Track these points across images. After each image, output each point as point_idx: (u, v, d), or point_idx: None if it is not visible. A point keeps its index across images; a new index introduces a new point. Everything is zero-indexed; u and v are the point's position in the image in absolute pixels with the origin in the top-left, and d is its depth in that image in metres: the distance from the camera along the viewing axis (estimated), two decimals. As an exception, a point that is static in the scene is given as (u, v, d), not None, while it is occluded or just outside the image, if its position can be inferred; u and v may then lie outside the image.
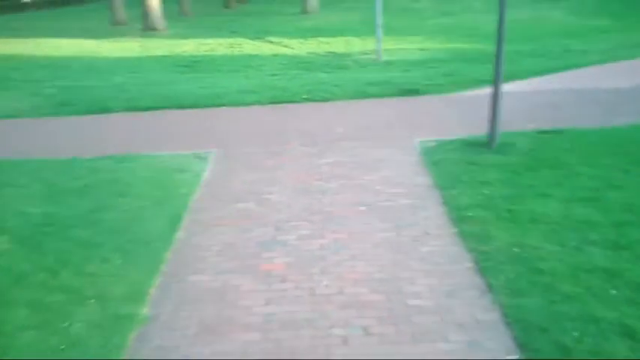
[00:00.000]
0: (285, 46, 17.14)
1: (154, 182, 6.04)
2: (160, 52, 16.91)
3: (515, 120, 7.39)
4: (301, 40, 18.13)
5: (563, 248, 4.28)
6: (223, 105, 9.50)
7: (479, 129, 7.14)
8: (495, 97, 6.42)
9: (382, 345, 3.44)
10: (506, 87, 9.88)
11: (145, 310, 3.86)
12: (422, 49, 15.40)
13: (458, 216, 4.97)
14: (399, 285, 4.03)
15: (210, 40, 18.98)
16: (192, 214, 5.33)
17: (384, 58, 13.74)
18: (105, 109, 9.45)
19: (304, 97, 9.78)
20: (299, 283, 4.11)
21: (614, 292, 3.70)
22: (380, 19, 13.51)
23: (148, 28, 22.93)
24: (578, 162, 5.92)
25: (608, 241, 4.33)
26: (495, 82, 6.40)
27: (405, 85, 10.24)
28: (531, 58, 13.01)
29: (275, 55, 15.44)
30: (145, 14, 23.33)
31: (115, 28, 24.98)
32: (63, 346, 3.45)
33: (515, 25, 21.63)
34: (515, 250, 4.32)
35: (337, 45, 16.88)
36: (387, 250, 4.50)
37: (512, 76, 10.33)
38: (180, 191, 5.80)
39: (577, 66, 11.73)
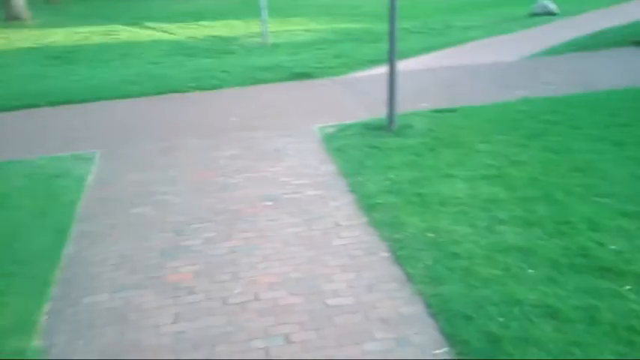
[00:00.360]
0: (165, 32, 16.29)
1: (32, 191, 5.40)
2: (26, 44, 15.46)
3: (408, 100, 7.40)
4: (181, 25, 17.33)
5: (475, 229, 4.26)
6: (102, 98, 8.76)
7: (376, 111, 7.08)
8: (391, 79, 6.35)
9: (306, 353, 3.20)
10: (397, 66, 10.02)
11: (35, 343, 3.36)
12: (308, 30, 15.23)
13: (367, 204, 4.82)
14: (317, 283, 3.81)
15: (82, 29, 17.64)
16: (80, 224, 4.79)
17: (271, 40, 13.41)
18: (-36, 112, 8.41)
19: (191, 85, 9.26)
20: (210, 293, 3.77)
21: (531, 271, 3.70)
22: (264, 1, 13.13)
23: (10, 18, 20.95)
24: (476, 139, 5.99)
25: (517, 218, 4.36)
26: (390, 62, 6.32)
27: (295, 69, 10.01)
28: (416, 35, 13.26)
29: (155, 42, 14.60)
30: (5, 2, 21.28)
31: (-30, 19, 22.64)
32: None
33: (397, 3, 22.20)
34: (430, 235, 4.24)
35: (220, 29, 16.29)
36: (300, 247, 4.27)
37: (401, 55, 10.35)
38: (63, 199, 5.21)
39: (461, 42, 12.09)
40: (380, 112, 6.90)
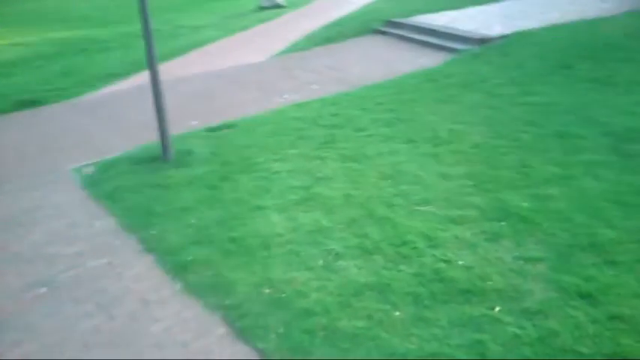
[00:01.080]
0: None
1: None
2: None
3: (173, 118, 6.43)
4: None
5: (314, 272, 3.66)
6: None
7: (138, 138, 6.08)
8: (157, 95, 5.40)
9: None
10: (140, 79, 8.91)
11: None
12: (16, 45, 12.95)
13: (175, 265, 3.89)
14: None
15: None
16: None
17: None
18: None
19: None
20: None
21: (397, 313, 3.24)
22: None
23: None
24: (269, 158, 5.40)
25: (353, 248, 3.87)
26: (152, 75, 5.36)
27: (17, 96, 8.24)
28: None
29: None
30: None
31: None
32: None
33: (105, 3, 20.38)
34: (267, 291, 3.52)
35: None
36: (106, 349, 3.20)
37: (139, 66, 9.33)
38: None
39: (199, 44, 11.36)
40: (144, 139, 5.90)
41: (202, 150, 5.68)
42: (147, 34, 5.30)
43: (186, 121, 6.66)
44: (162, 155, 5.50)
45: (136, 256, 4.09)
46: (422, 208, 4.30)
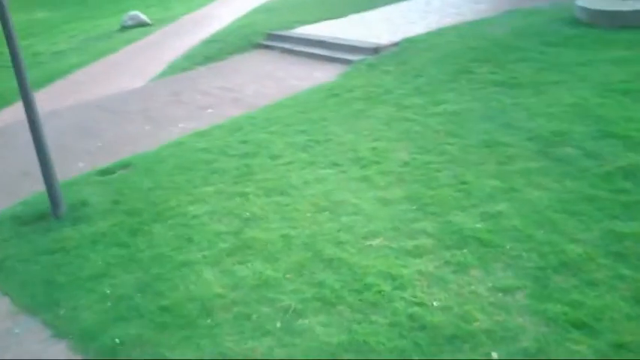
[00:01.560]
0: None
1: None
2: None
3: (55, 161, 5.54)
4: None
5: (274, 338, 3.13)
6: None
7: (18, 189, 5.14)
8: (38, 140, 4.57)
9: None
10: (4, 117, 7.78)
11: None
12: None
13: (99, 351, 3.18)
14: None
15: None
16: None
17: None
18: None
19: None
20: None
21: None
22: None
23: None
24: (183, 200, 4.74)
25: (312, 300, 3.38)
26: (30, 118, 4.52)
27: None
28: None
29: None
30: None
31: None
32: None
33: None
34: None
35: None
36: None
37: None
38: None
39: (64, 72, 10.23)
40: (25, 191, 5.03)
41: (99, 199, 4.89)
42: (16, 62, 4.44)
43: (70, 163, 5.78)
44: (53, 211, 4.65)
45: (45, 345, 3.31)
46: (372, 243, 3.90)
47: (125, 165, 5.55)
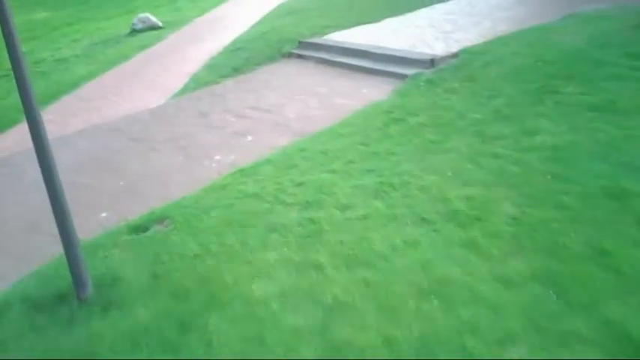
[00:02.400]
0: None
1: None
2: None
3: (70, 207, 4.55)
4: None
5: None
6: None
7: (28, 252, 4.15)
8: (53, 190, 3.55)
9: None
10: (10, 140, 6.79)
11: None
12: None
13: None
14: None
15: None
16: None
17: None
18: None
19: None
20: None
21: None
22: None
23: None
24: (239, 275, 3.72)
25: None
26: (41, 155, 3.51)
27: None
28: None
29: None
30: None
31: None
32: None
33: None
34: None
35: None
36: None
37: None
38: None
39: (72, 85, 9.21)
40: (37, 254, 4.03)
41: (134, 271, 3.86)
42: (21, 77, 3.40)
43: (90, 213, 4.76)
44: (76, 291, 3.63)
45: None
46: (512, 354, 2.89)
47: (161, 217, 4.52)
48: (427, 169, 4.82)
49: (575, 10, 8.69)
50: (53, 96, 8.68)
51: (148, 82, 8.87)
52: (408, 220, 4.13)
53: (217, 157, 5.70)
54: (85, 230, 4.36)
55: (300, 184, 4.84)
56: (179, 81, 8.59)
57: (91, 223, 4.63)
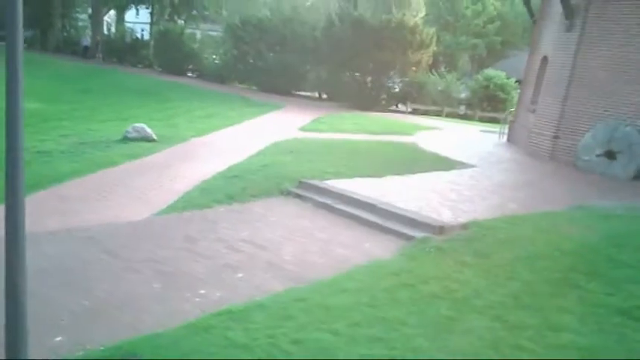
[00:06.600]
0: None
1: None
2: None
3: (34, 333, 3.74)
4: None
5: None
6: None
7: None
8: (15, 304, 2.81)
9: None
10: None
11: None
12: None
13: None
14: None
15: None
16: None
17: None
18: None
19: None
20: None
21: None
22: None
23: None
24: None
25: None
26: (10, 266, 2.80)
27: None
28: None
29: None
30: None
31: None
32: None
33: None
34: None
35: None
36: None
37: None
38: None
39: (52, 180, 8.56)
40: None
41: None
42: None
43: (43, 330, 3.96)
44: None
45: None
46: None
47: (128, 355, 3.73)
48: (444, 350, 4.19)
49: (584, 202, 8.59)
50: (30, 189, 7.98)
51: (135, 192, 8.29)
52: (427, 414, 3.42)
53: (202, 291, 4.99)
54: (31, 354, 3.53)
55: (296, 342, 4.13)
56: (168, 197, 8.03)
57: (41, 347, 3.80)
